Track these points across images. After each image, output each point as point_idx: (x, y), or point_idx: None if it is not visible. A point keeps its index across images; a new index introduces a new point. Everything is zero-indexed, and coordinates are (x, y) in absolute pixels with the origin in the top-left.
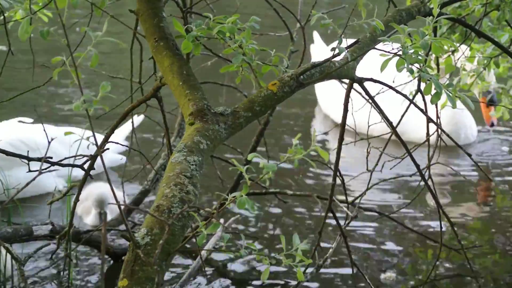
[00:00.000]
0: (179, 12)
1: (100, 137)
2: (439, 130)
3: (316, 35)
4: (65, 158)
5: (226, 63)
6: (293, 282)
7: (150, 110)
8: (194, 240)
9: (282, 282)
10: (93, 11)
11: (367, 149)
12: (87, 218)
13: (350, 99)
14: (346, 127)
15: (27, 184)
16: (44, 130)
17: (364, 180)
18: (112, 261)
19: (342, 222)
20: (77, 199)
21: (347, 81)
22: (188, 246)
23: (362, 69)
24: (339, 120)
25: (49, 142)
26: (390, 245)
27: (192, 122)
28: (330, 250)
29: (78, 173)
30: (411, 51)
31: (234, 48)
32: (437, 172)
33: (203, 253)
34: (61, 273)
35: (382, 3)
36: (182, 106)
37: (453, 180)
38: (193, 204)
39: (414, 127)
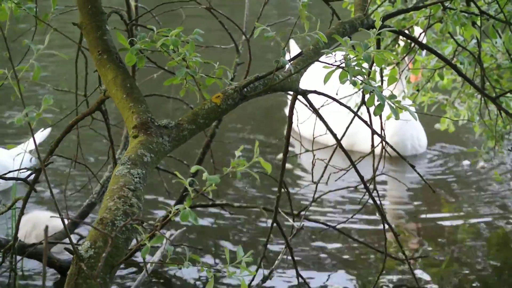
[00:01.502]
0: (124, 25)
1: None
2: (383, 142)
3: (292, 42)
4: (9, 172)
5: (171, 76)
6: None
7: (96, 122)
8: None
9: None
10: (37, 24)
11: (312, 161)
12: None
13: (295, 111)
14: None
15: None
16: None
17: (311, 191)
18: (59, 275)
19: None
20: (21, 213)
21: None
22: (133, 259)
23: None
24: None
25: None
26: (337, 257)
27: (136, 135)
28: (276, 262)
29: None
30: (354, 63)
31: (178, 61)
32: (386, 182)
33: (148, 266)
34: (7, 286)
35: (326, 16)
36: (126, 119)
37: (402, 190)
38: (137, 216)
39: (364, 138)
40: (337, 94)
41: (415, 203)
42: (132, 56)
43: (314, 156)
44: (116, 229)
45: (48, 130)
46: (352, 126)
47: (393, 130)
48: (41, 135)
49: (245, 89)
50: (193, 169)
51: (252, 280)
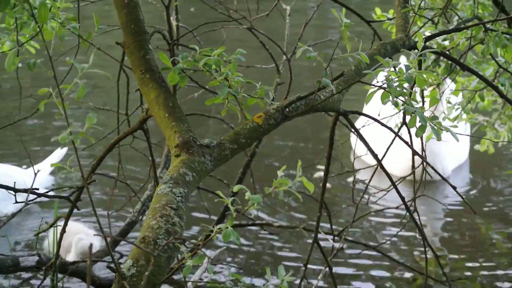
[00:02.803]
0: (167, 44)
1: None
2: (424, 163)
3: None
4: (51, 190)
5: (213, 95)
6: None
7: (137, 141)
8: (181, 271)
9: None
10: (79, 43)
11: (353, 182)
12: (68, 256)
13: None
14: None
15: (14, 215)
16: (30, 160)
17: (350, 211)
18: None
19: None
20: (63, 231)
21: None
22: (174, 277)
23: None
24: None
25: (36, 174)
26: (376, 277)
27: (178, 154)
28: (316, 282)
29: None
30: (396, 84)
31: (220, 81)
32: (422, 204)
33: (189, 284)
34: None
35: (367, 36)
36: (168, 138)
37: (439, 212)
38: (179, 235)
39: (394, 161)
40: (379, 115)
41: (454, 224)
42: (175, 76)
43: (354, 176)
44: (159, 248)
45: (65, 149)
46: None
47: (409, 155)
48: (59, 153)
49: (287, 109)
50: (236, 188)
51: None
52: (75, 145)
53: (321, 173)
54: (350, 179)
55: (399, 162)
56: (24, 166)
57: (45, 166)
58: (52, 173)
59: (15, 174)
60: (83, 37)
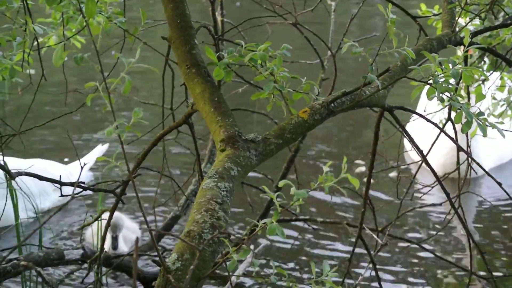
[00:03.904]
0: (211, 39)
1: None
2: (469, 159)
3: None
4: (97, 183)
5: (257, 90)
6: None
7: (181, 136)
8: (224, 265)
9: None
10: (125, 38)
11: (397, 177)
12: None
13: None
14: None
15: (60, 208)
16: (77, 153)
17: (394, 207)
18: (142, 286)
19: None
20: (108, 224)
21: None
22: (218, 271)
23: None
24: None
25: (82, 168)
26: (420, 274)
27: (223, 149)
28: (360, 277)
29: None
30: (442, 80)
31: (266, 76)
32: (465, 200)
33: (233, 278)
34: None
35: (413, 32)
36: (213, 132)
37: (481, 208)
38: (224, 230)
39: (431, 157)
40: (424, 110)
41: (498, 220)
42: (220, 71)
43: (399, 172)
44: (204, 242)
45: (106, 146)
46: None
47: (445, 151)
48: (100, 150)
49: (332, 104)
50: (281, 183)
51: None
52: (122, 139)
53: (362, 169)
54: (392, 175)
55: (436, 158)
56: (67, 159)
57: (86, 162)
58: (91, 169)
59: (54, 170)
60: (129, 31)
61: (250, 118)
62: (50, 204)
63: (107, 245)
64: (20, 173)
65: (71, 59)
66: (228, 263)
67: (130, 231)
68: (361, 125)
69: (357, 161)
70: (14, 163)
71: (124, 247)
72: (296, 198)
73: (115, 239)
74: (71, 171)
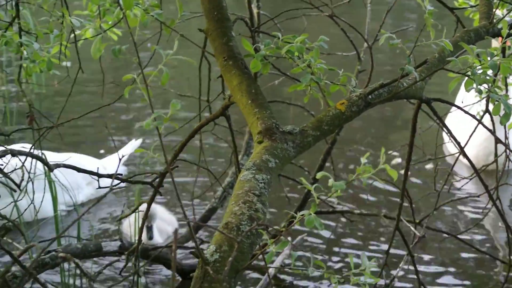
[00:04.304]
0: (248, 31)
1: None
2: (507, 151)
3: None
4: (134, 175)
5: (293, 82)
6: None
7: (216, 128)
8: (261, 257)
9: None
10: (162, 30)
11: (435, 170)
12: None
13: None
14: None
15: (98, 200)
16: (115, 145)
17: (433, 200)
18: (180, 278)
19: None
20: (145, 216)
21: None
22: (255, 263)
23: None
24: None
25: (120, 160)
26: (458, 266)
27: (260, 141)
28: (398, 269)
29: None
30: (480, 71)
31: (303, 68)
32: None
33: (271, 270)
34: None
35: (450, 24)
36: (250, 124)
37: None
38: (262, 222)
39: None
40: (462, 102)
41: None
42: (258, 62)
43: (437, 164)
44: (242, 234)
45: (140, 140)
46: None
47: (478, 142)
48: (133, 145)
49: (370, 96)
50: (319, 175)
51: (374, 287)
52: (160, 131)
53: (398, 160)
54: (428, 167)
55: (469, 149)
56: (102, 151)
57: (119, 155)
58: (125, 164)
59: (87, 164)
60: (166, 23)
61: (286, 110)
62: (83, 198)
63: (143, 236)
64: (58, 165)
65: (106, 52)
66: (266, 255)
67: (166, 223)
68: (395, 116)
69: (393, 153)
70: (47, 157)
71: (159, 239)
72: (334, 190)
73: (149, 229)
74: (104, 164)
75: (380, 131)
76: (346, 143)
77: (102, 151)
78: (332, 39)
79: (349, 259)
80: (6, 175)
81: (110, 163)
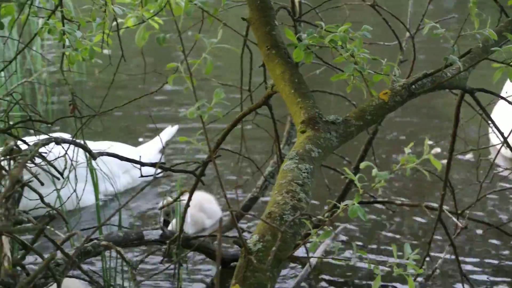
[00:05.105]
0: (289, 21)
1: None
2: None
3: None
4: (177, 164)
5: (335, 72)
6: None
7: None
8: (303, 247)
9: None
10: (204, 18)
11: (478, 160)
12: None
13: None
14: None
15: (142, 189)
16: (160, 137)
17: (474, 190)
18: (220, 267)
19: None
20: (187, 205)
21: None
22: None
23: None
24: None
25: (164, 147)
26: (500, 256)
27: (303, 130)
28: (440, 260)
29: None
30: None
31: (346, 57)
32: None
33: (312, 260)
34: (172, 278)
35: (494, 14)
36: (293, 114)
37: None
38: (305, 211)
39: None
40: (506, 92)
41: None
42: (301, 52)
43: (479, 155)
44: (285, 224)
45: (176, 127)
46: None
47: None
48: (170, 131)
49: (413, 86)
50: (363, 165)
51: (415, 278)
52: (203, 119)
53: (438, 150)
54: (469, 157)
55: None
56: (141, 139)
57: (154, 144)
58: (160, 151)
59: (124, 152)
60: (210, 12)
61: (328, 100)
62: (120, 187)
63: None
64: (101, 154)
65: (148, 41)
66: (308, 245)
67: (205, 214)
68: (435, 106)
69: (432, 143)
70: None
71: (190, 229)
72: (378, 180)
73: (166, 223)
74: (141, 153)
75: (417, 121)
76: (385, 133)
77: (140, 139)
78: (373, 28)
79: (388, 249)
80: (49, 163)
81: (146, 151)
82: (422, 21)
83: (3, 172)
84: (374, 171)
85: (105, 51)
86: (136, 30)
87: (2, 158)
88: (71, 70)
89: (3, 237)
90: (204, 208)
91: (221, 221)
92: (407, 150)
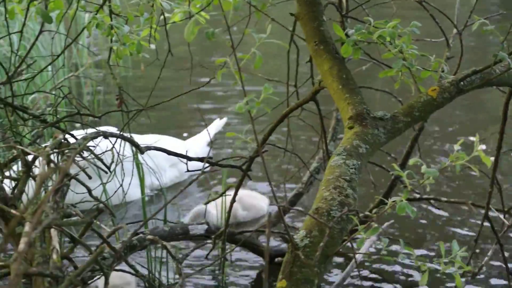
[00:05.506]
0: (336, 16)
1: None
2: None
3: None
4: (223, 159)
5: (380, 69)
6: None
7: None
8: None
9: None
10: (251, 13)
11: None
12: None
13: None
14: None
15: (190, 183)
16: (208, 132)
17: None
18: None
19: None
20: (233, 200)
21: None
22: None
23: None
24: None
25: (212, 141)
26: None
27: (351, 126)
28: (486, 258)
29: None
30: None
31: (395, 53)
32: None
33: (358, 257)
34: (216, 272)
35: None
36: (341, 109)
37: None
38: (352, 207)
39: None
40: None
41: None
42: (349, 47)
43: None
44: (333, 219)
45: (224, 120)
46: None
47: None
48: (218, 124)
49: (462, 83)
50: (412, 161)
51: (462, 275)
52: (251, 114)
53: (483, 147)
54: None
55: None
56: (185, 134)
57: (201, 137)
58: (208, 144)
59: (171, 147)
60: (257, 7)
61: (372, 96)
62: (167, 181)
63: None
64: (149, 148)
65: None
66: (355, 240)
67: (240, 205)
68: (477, 103)
69: (472, 138)
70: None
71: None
72: (427, 177)
73: (268, 216)
74: (187, 146)
75: (461, 118)
76: (429, 130)
77: (185, 134)
78: (422, 24)
79: (431, 247)
80: (97, 157)
81: (194, 145)
82: (470, 18)
83: (52, 165)
84: (423, 167)
85: (152, 46)
86: (181, 25)
87: (51, 151)
88: (118, 65)
89: (52, 230)
90: (240, 199)
91: (270, 216)
92: (456, 147)
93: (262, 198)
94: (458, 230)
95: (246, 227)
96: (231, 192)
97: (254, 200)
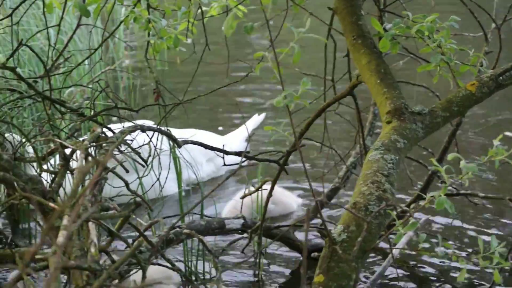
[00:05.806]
0: (373, 11)
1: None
2: None
3: None
4: (261, 153)
5: (417, 63)
6: (486, 284)
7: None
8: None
9: (476, 283)
10: (288, 8)
11: None
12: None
13: None
14: None
15: (227, 178)
16: (246, 127)
17: None
18: (301, 256)
19: None
20: (269, 194)
21: None
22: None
23: None
24: None
25: (250, 136)
26: None
27: (389, 121)
28: None
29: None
30: None
31: (433, 47)
32: None
33: (395, 252)
34: (252, 267)
35: None
36: (379, 104)
37: None
38: (390, 202)
39: None
40: None
41: None
42: (387, 42)
43: None
44: (371, 214)
45: (263, 115)
46: None
47: None
48: (257, 120)
49: (501, 78)
50: (451, 157)
51: (500, 270)
52: (290, 109)
53: None
54: None
55: None
56: (221, 128)
57: (239, 132)
58: (246, 139)
59: (210, 141)
60: (295, 1)
61: (409, 91)
62: (204, 175)
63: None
64: (186, 142)
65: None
66: (392, 236)
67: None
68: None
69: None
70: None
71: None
72: (465, 172)
73: (307, 211)
74: (225, 141)
75: (493, 112)
76: (465, 125)
77: (220, 128)
78: (459, 19)
79: (465, 242)
80: (135, 150)
81: (231, 140)
82: (509, 12)
83: (90, 159)
84: (462, 163)
85: (188, 40)
86: (218, 19)
87: (89, 145)
88: (155, 58)
89: (90, 223)
90: (276, 200)
91: (308, 211)
92: (496, 142)
93: (292, 197)
94: (496, 227)
95: (277, 222)
96: (267, 187)
97: (283, 196)
